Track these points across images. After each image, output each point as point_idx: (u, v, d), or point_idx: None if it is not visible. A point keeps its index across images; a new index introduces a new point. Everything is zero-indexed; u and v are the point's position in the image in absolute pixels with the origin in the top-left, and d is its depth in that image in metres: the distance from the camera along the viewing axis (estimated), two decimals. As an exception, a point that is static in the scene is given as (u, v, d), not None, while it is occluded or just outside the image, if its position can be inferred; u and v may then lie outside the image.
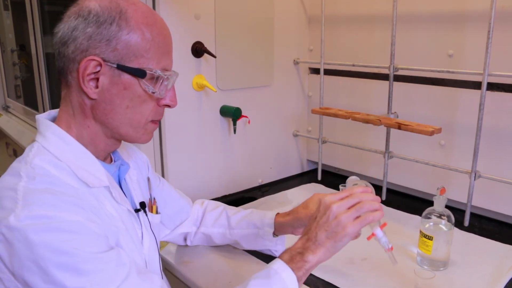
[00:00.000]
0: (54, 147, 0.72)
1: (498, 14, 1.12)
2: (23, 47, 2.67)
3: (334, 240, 0.76)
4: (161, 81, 0.75)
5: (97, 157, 0.77)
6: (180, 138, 1.38)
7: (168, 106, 0.79)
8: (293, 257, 0.77)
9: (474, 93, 1.25)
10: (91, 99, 0.73)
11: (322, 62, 1.58)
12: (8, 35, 2.84)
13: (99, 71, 0.71)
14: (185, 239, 1.12)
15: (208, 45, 1.36)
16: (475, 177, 1.22)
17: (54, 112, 0.79)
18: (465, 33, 1.28)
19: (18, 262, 0.61)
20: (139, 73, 0.72)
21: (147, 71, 0.73)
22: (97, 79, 0.71)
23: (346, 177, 1.69)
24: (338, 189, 1.31)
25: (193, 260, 1.11)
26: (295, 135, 1.75)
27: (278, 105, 1.65)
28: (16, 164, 0.71)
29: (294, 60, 1.68)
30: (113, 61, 0.71)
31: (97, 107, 0.74)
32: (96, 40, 0.70)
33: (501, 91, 1.24)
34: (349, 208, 0.78)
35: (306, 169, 1.84)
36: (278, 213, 1.05)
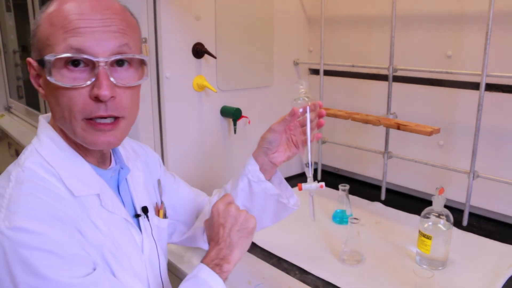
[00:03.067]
0: (46, 151, 0.71)
1: (496, 15, 1.12)
2: (25, 48, 2.68)
3: (247, 236, 0.81)
4: (61, 63, 0.65)
5: (90, 161, 0.74)
6: (181, 139, 1.38)
7: (97, 96, 0.66)
8: (214, 269, 0.77)
9: (472, 94, 1.25)
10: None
11: (321, 63, 1.58)
12: (10, 36, 2.85)
13: (36, 72, 0.71)
14: (203, 236, 1.04)
15: (209, 46, 1.36)
16: (473, 177, 1.22)
17: None
18: (463, 34, 1.28)
19: None
20: (41, 64, 0.68)
21: (46, 58, 0.65)
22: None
23: (346, 178, 1.71)
24: (337, 188, 1.32)
25: (193, 260, 1.12)
26: (295, 136, 1.76)
27: (278, 105, 1.66)
28: (11, 167, 0.71)
29: (294, 61, 1.69)
30: (35, 58, 0.70)
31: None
32: (31, 42, 0.71)
33: (499, 91, 1.24)
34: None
35: (306, 169, 1.84)
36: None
